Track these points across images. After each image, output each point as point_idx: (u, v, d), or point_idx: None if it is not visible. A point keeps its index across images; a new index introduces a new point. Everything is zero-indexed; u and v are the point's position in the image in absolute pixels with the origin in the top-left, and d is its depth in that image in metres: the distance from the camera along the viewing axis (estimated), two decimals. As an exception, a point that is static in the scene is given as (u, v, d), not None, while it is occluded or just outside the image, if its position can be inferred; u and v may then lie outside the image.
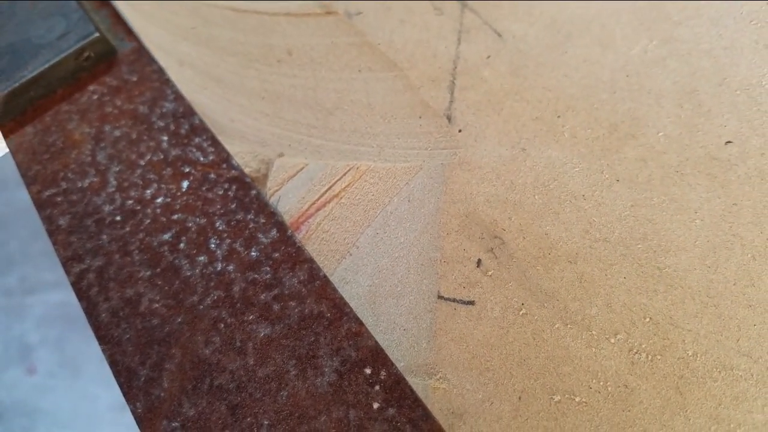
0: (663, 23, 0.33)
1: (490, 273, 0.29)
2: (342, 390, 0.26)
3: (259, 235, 0.30)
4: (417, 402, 0.25)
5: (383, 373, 0.26)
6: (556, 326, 0.27)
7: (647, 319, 0.27)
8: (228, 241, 0.30)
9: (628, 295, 0.27)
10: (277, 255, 0.29)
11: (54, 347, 1.19)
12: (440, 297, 0.29)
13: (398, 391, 0.25)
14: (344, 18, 0.37)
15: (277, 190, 0.33)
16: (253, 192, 0.31)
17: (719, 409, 0.25)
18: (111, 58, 0.36)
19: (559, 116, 0.32)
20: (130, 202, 0.31)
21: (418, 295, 0.29)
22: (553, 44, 0.34)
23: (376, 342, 0.27)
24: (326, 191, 0.32)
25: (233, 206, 0.31)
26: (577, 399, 0.26)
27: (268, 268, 0.29)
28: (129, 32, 0.37)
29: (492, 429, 0.26)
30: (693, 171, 0.29)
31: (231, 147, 0.35)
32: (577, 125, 0.32)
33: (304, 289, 0.28)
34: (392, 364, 0.26)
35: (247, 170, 0.34)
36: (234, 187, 0.31)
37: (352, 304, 0.29)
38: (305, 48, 0.37)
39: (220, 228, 0.30)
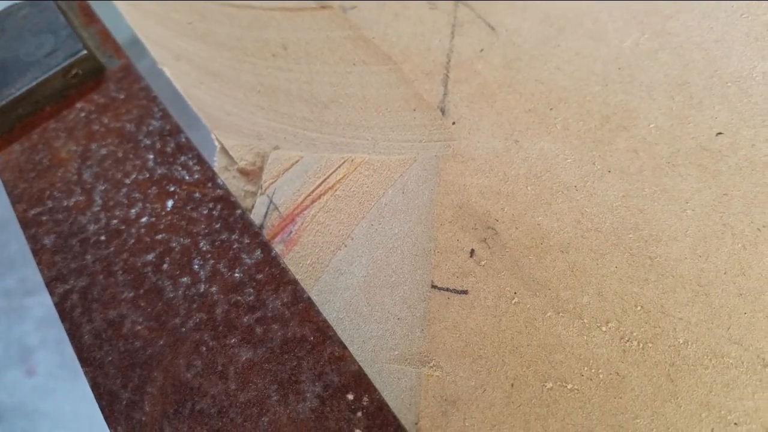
0: (655, 16, 0.34)
1: (483, 263, 0.29)
2: (324, 416, 0.25)
3: (243, 256, 0.29)
4: (400, 429, 0.25)
5: (366, 399, 0.25)
6: (548, 315, 0.28)
7: (638, 308, 0.27)
8: (212, 261, 0.29)
9: (619, 284, 0.28)
10: (260, 276, 0.29)
11: (54, 349, 1.19)
12: (434, 286, 0.29)
13: (381, 417, 0.25)
14: (339, 12, 0.38)
15: (272, 183, 0.33)
16: (238, 212, 0.30)
17: (710, 396, 0.25)
18: (99, 75, 0.36)
19: (551, 108, 0.32)
20: (115, 221, 0.31)
21: (412, 285, 0.29)
22: (546, 37, 0.34)
23: (359, 367, 0.26)
24: (321, 183, 0.33)
25: (218, 226, 0.30)
26: (569, 386, 0.26)
27: (252, 290, 0.28)
28: (117, 49, 0.37)
29: (485, 416, 0.26)
30: (684, 162, 0.30)
31: (227, 140, 0.35)
32: (569, 117, 0.32)
33: (287, 312, 0.28)
34: (375, 389, 0.26)
35: (242, 163, 0.34)
36: (219, 206, 0.31)
37: (347, 295, 0.30)
38: (300, 42, 0.37)
39: (204, 248, 0.30)
